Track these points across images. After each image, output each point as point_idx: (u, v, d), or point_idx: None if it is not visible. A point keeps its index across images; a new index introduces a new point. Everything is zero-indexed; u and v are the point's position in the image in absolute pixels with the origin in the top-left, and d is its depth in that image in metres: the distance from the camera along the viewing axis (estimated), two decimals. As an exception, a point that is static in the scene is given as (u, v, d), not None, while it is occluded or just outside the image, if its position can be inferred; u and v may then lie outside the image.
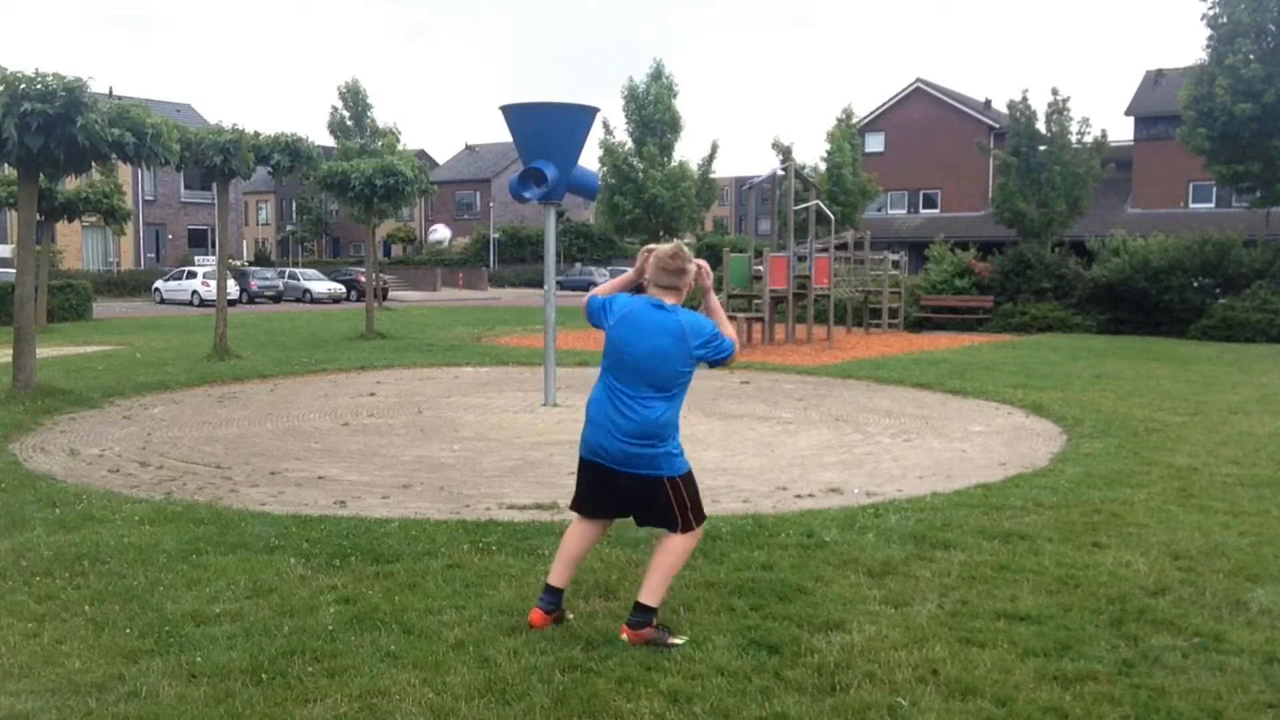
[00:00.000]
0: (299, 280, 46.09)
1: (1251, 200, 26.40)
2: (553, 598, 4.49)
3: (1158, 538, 5.94)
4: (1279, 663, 4.13)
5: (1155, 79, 45.98)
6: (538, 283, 57.50)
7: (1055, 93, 30.27)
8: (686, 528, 4.40)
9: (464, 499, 7.03)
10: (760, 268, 20.50)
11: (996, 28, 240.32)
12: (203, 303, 38.22)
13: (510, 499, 7.00)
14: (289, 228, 79.47)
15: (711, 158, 37.34)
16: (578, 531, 4.58)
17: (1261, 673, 4.03)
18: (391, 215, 44.59)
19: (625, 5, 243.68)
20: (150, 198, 54.66)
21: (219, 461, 8.35)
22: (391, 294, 44.91)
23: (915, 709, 3.67)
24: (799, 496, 7.12)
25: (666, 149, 34.57)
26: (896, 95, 52.13)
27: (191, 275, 41.28)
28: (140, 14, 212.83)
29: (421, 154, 72.13)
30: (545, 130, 11.24)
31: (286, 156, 17.84)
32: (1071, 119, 29.47)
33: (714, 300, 4.58)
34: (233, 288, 37.35)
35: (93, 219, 29.29)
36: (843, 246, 24.26)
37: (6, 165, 13.89)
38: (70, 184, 25.31)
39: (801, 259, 20.66)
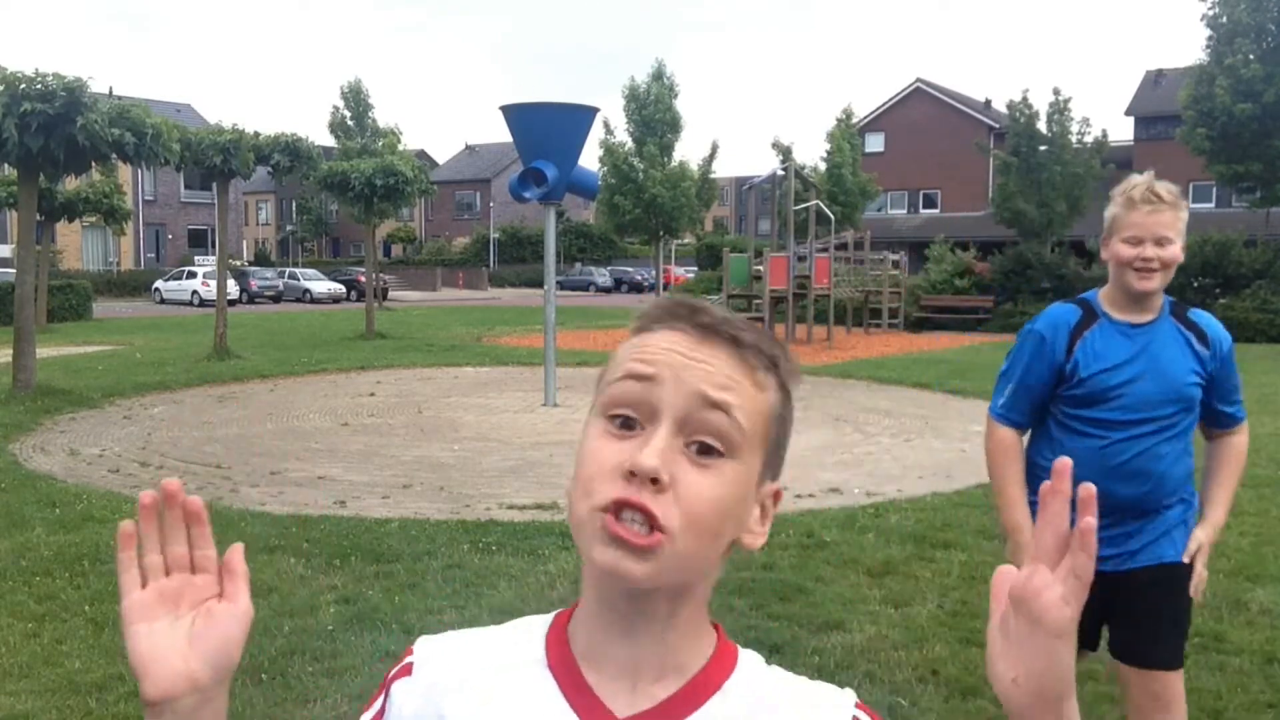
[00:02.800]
0: (299, 280, 46.05)
1: (1251, 200, 26.38)
2: None
3: (1158, 538, 5.93)
4: (1279, 663, 4.13)
5: (1155, 79, 45.96)
6: (538, 283, 57.47)
7: (1056, 93, 30.27)
8: None
9: (464, 499, 7.03)
10: (760, 268, 20.50)
11: (996, 28, 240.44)
12: (203, 303, 38.17)
13: (510, 499, 7.00)
14: (289, 228, 79.42)
15: (711, 158, 37.27)
16: None
17: (1261, 673, 4.03)
18: (391, 215, 44.53)
19: (625, 5, 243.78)
20: (150, 198, 54.65)
21: (219, 461, 8.35)
22: (391, 294, 44.86)
23: (915, 709, 3.67)
24: (799, 496, 7.12)
25: (667, 149, 34.46)
26: (896, 95, 52.10)
27: (191, 275, 41.24)
28: (140, 14, 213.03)
29: (421, 154, 72.02)
30: (545, 130, 11.24)
31: (286, 156, 17.83)
32: (1072, 119, 29.50)
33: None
34: (233, 288, 37.33)
35: (93, 219, 29.26)
36: (843, 246, 24.26)
37: (6, 165, 13.90)
38: (70, 184, 25.27)
39: (801, 259, 20.65)
